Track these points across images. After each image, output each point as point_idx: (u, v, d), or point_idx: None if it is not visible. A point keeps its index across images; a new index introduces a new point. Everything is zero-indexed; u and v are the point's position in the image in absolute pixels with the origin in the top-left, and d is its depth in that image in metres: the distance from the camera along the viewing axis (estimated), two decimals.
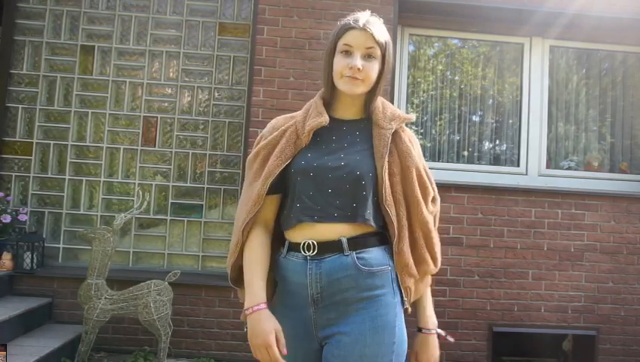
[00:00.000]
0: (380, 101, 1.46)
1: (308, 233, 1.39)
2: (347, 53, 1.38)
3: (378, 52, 1.39)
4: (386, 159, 1.38)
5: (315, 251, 1.38)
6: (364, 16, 1.40)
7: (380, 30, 1.39)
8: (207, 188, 3.85)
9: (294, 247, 1.41)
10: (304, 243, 1.39)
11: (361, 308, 1.36)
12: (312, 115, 1.42)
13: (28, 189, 3.78)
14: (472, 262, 3.69)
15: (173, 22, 3.92)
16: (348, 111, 1.46)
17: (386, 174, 1.37)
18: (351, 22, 1.39)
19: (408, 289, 1.41)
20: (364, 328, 1.35)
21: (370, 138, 1.42)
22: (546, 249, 3.74)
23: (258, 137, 1.50)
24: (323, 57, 1.46)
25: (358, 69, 1.36)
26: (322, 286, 1.37)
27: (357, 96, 1.43)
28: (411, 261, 1.39)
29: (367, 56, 1.38)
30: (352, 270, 1.36)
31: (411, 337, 1.41)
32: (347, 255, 1.36)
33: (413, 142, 1.45)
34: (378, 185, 1.38)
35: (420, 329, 1.47)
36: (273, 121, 1.51)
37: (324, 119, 1.40)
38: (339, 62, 1.39)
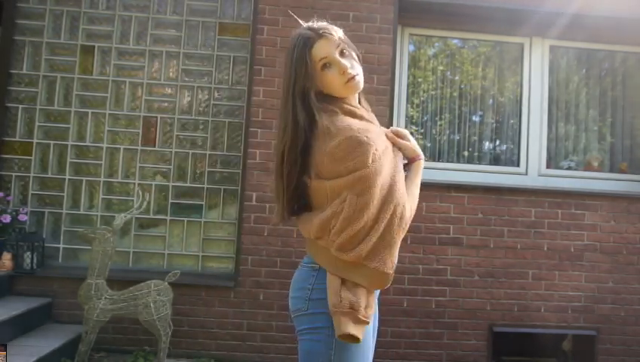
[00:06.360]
0: None
1: None
2: (327, 65, 1.37)
3: (345, 46, 1.40)
4: None
5: None
6: (313, 28, 1.39)
7: (332, 28, 1.40)
8: (207, 188, 3.85)
9: None
10: None
11: None
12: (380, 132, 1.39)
13: (28, 189, 3.78)
14: (472, 262, 3.69)
15: (173, 22, 3.92)
16: None
17: None
18: (306, 41, 1.37)
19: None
20: None
21: None
22: (546, 249, 3.73)
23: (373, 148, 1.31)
24: (302, 95, 1.35)
25: (350, 67, 1.38)
26: None
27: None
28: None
29: (341, 54, 1.39)
30: None
31: None
32: None
33: None
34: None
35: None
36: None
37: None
38: (330, 76, 1.37)
